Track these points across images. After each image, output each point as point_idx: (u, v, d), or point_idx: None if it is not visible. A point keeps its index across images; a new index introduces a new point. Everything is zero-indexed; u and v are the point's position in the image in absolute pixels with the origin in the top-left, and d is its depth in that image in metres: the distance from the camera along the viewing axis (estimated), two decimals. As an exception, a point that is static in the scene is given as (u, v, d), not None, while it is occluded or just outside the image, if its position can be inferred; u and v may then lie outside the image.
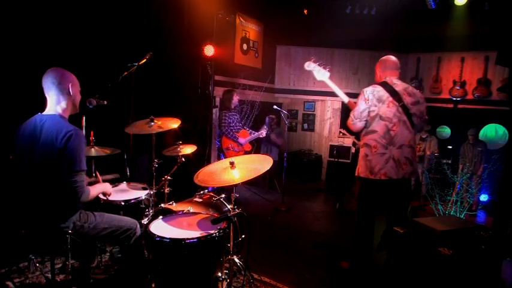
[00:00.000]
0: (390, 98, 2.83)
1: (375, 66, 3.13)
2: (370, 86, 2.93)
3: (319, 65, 3.19)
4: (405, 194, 2.99)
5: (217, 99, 5.77)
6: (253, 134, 5.04)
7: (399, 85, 2.90)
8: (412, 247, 2.32)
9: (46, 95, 2.14)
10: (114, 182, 3.02)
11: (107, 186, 2.39)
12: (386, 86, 2.88)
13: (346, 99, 3.08)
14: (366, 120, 2.88)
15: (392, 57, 3.03)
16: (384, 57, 3.05)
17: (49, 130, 2.02)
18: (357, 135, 6.49)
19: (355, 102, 3.00)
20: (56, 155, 1.98)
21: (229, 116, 4.82)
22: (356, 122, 2.90)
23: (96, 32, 3.84)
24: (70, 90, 2.14)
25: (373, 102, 2.84)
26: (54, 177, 2.01)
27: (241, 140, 4.87)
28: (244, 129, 5.03)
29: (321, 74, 3.17)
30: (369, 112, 2.86)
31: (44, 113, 2.13)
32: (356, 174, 3.01)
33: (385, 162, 2.81)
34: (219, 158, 5.71)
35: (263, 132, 5.05)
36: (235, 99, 4.98)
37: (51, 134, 2.00)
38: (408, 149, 2.84)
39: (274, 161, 6.05)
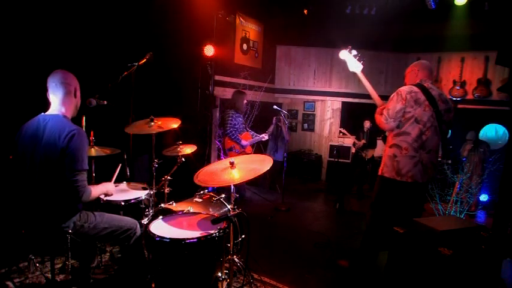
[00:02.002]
0: (427, 102, 2.77)
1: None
2: (407, 86, 2.86)
3: (354, 56, 3.12)
4: (423, 197, 2.99)
5: (217, 99, 5.77)
6: (256, 137, 5.05)
7: (435, 90, 2.86)
8: (412, 247, 2.32)
9: (50, 95, 2.15)
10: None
11: (109, 187, 2.39)
12: (423, 88, 2.82)
13: (375, 95, 3.04)
14: (400, 121, 2.82)
15: (426, 62, 3.00)
16: (418, 61, 3.01)
17: (52, 129, 2.02)
18: (357, 135, 6.56)
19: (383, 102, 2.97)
20: (59, 154, 1.98)
21: (234, 118, 4.82)
22: (390, 121, 2.81)
23: (96, 32, 3.85)
24: (76, 92, 2.20)
25: (410, 103, 2.75)
26: (56, 177, 2.01)
27: (244, 142, 4.88)
28: (247, 131, 5.06)
29: (354, 65, 3.11)
30: (404, 113, 2.79)
31: (47, 113, 2.14)
32: (380, 173, 2.97)
33: (413, 166, 2.78)
34: (219, 158, 5.71)
35: (265, 136, 5.09)
36: (245, 102, 5.03)
37: (54, 133, 2.00)
38: (435, 154, 2.85)
39: (278, 161, 6.06)
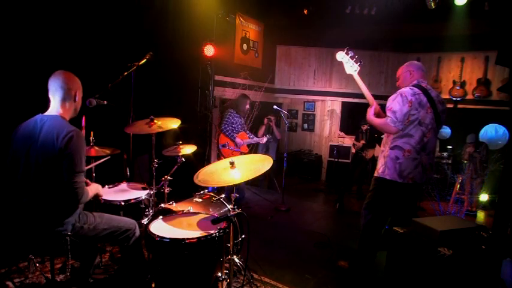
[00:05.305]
0: (428, 104, 2.77)
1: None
2: (408, 87, 2.81)
3: (351, 57, 3.05)
4: (417, 196, 3.02)
5: (217, 99, 5.78)
6: (253, 138, 5.09)
7: (433, 91, 2.84)
8: (412, 247, 2.32)
9: (50, 96, 2.13)
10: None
11: (99, 188, 2.38)
12: (423, 90, 2.79)
13: (370, 97, 3.01)
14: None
15: (418, 62, 2.99)
16: (410, 62, 2.98)
17: (49, 129, 2.00)
18: (357, 136, 6.55)
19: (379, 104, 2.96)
20: (56, 155, 1.95)
21: (233, 117, 4.89)
22: (398, 125, 2.74)
23: (97, 32, 3.85)
24: (76, 96, 2.17)
25: (414, 106, 2.73)
26: (52, 177, 1.99)
27: (238, 140, 4.87)
28: (245, 132, 5.09)
29: (350, 67, 3.06)
30: (409, 115, 2.74)
31: (45, 113, 2.12)
32: (377, 175, 2.95)
33: (414, 167, 2.79)
34: (219, 158, 5.71)
35: (263, 139, 5.11)
36: (248, 106, 5.09)
37: (52, 134, 1.98)
38: (432, 155, 2.89)
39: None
